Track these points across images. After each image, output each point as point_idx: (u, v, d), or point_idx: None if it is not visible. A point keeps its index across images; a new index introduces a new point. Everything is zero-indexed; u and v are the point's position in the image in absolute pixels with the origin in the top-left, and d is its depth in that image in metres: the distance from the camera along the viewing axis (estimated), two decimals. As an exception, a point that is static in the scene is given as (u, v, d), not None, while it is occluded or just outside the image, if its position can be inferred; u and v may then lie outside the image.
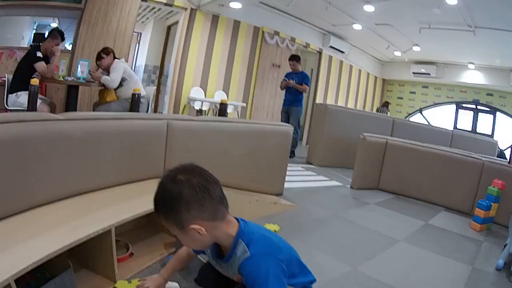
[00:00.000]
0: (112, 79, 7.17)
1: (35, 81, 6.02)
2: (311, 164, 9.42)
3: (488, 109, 16.54)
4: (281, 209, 4.93)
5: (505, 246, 4.72)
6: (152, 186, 3.53)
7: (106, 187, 3.38)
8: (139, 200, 3.24)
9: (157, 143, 3.91)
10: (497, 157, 11.33)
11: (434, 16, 10.71)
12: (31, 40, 9.40)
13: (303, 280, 2.29)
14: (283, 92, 10.06)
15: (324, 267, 3.63)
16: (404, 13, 10.94)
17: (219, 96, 11.68)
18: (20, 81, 6.68)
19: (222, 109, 9.09)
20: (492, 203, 5.80)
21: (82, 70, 7.24)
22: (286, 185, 5.91)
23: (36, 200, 2.76)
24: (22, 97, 6.61)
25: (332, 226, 4.93)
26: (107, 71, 7.34)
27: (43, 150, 2.77)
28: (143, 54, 14.35)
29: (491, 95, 16.29)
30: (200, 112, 11.40)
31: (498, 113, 16.27)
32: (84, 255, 2.71)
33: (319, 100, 14.84)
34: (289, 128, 5.64)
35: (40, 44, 6.97)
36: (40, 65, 6.72)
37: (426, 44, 13.91)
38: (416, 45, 14.29)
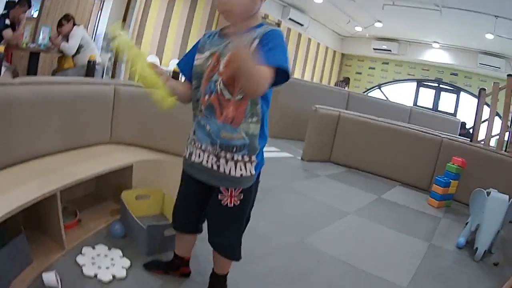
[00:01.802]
0: (70, 46, 7.20)
1: (0, 49, 6.07)
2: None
3: (451, 88, 16.72)
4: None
5: (466, 224, 4.71)
6: (98, 152, 3.58)
7: (54, 152, 3.31)
8: (85, 165, 3.19)
9: (104, 108, 3.82)
10: (464, 136, 11.33)
11: None
12: (3, 8, 9.22)
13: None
14: None
15: (270, 236, 3.59)
16: None
17: (174, 64, 11.27)
18: None
19: (174, 77, 8.78)
20: (451, 180, 5.83)
21: (43, 36, 7.37)
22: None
23: None
24: None
25: (280, 196, 4.88)
26: (66, 37, 7.32)
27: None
28: (103, 22, 14.13)
29: (456, 74, 16.47)
30: None
31: (462, 93, 16.45)
32: (36, 219, 2.75)
33: None
34: None
35: (9, 11, 6.92)
36: (7, 33, 6.74)
37: (389, 21, 13.90)
38: (379, 21, 14.28)
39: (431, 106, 16.99)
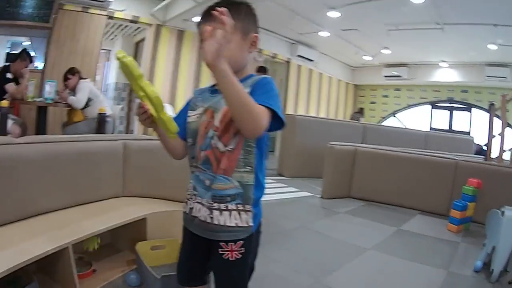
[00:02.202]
0: (78, 100, 7.25)
1: (4, 103, 6.13)
2: (282, 175, 9.43)
3: (463, 106, 16.65)
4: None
5: (483, 244, 4.63)
6: (111, 205, 3.65)
7: (64, 207, 3.42)
8: (97, 219, 3.28)
9: (114, 163, 3.95)
10: (477, 153, 11.31)
11: (401, 17, 10.80)
12: (5, 60, 9.37)
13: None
14: None
15: (287, 280, 3.58)
16: (369, 16, 11.02)
17: None
18: None
19: None
20: (468, 203, 5.79)
21: (49, 90, 7.33)
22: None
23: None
24: None
25: (298, 238, 4.88)
26: (73, 91, 7.41)
27: (2, 173, 2.86)
28: (113, 72, 14.39)
29: (466, 91, 16.41)
30: None
31: (474, 109, 16.34)
32: (50, 271, 2.83)
33: (289, 110, 14.79)
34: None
35: (10, 65, 7.07)
36: (10, 87, 6.84)
37: (395, 46, 13.98)
38: (386, 48, 14.36)
39: (445, 127, 16.90)
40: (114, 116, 7.96)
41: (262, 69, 9.55)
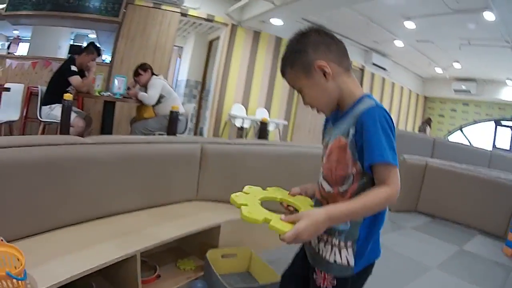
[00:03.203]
0: (150, 96, 7.15)
1: (68, 96, 6.04)
2: None
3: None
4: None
5: None
6: (184, 209, 3.64)
7: (136, 210, 3.41)
8: (169, 225, 3.24)
9: (190, 166, 3.92)
10: None
11: (474, 32, 10.53)
12: (68, 51, 9.45)
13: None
14: None
15: None
16: (444, 29, 10.77)
17: (261, 113, 11.61)
18: (53, 94, 6.71)
19: (262, 129, 8.98)
20: None
21: (119, 86, 7.29)
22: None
23: (63, 220, 2.82)
24: (56, 110, 6.65)
25: None
26: (144, 87, 7.34)
27: (69, 173, 2.82)
28: (184, 69, 14.26)
29: (530, 112, 15.92)
30: (241, 129, 11.35)
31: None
32: (111, 276, 2.75)
33: None
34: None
35: (76, 57, 7.00)
36: (75, 79, 6.74)
37: (466, 60, 13.71)
38: (457, 61, 14.09)
39: (508, 146, 16.57)
40: (187, 115, 7.85)
41: None
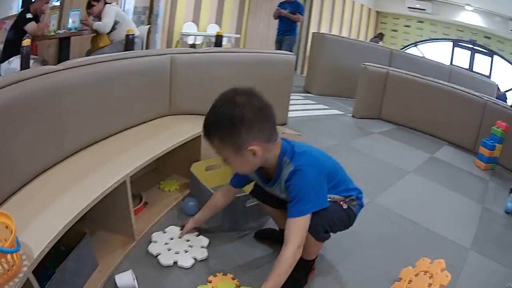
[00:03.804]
0: (104, 24, 7.12)
1: (26, 42, 5.98)
2: (309, 93, 9.46)
3: (485, 51, 16.43)
4: (289, 138, 4.85)
5: (511, 189, 4.79)
6: (160, 125, 3.45)
7: (114, 133, 3.16)
8: (149, 143, 3.05)
9: (161, 80, 3.72)
10: (500, 98, 11.46)
11: None
12: (20, 6, 9.18)
13: (348, 187, 2.41)
14: (277, 21, 9.80)
15: None
16: None
17: (212, 29, 11.47)
18: (11, 47, 6.59)
19: (218, 41, 9.12)
20: (496, 144, 5.84)
21: (73, 20, 7.21)
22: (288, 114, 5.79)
23: (43, 163, 2.46)
24: (14, 63, 6.45)
25: (342, 156, 4.88)
26: (98, 18, 7.23)
27: (45, 107, 2.44)
28: None
29: (489, 38, 16.18)
30: (193, 46, 11.12)
31: (496, 57, 16.19)
32: (97, 213, 2.32)
33: (313, 28, 14.56)
34: (291, 56, 5.42)
35: (30, 5, 6.84)
36: (30, 26, 6.64)
37: None
38: None
39: (466, 67, 16.66)
40: (142, 37, 7.93)
41: None
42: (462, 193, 4.73)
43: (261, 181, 2.29)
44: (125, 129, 3.25)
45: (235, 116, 1.90)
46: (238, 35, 12.22)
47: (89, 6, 7.18)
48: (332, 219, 2.25)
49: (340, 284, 2.52)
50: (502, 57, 15.80)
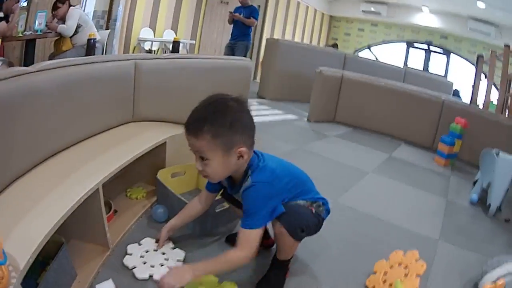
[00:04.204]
0: (68, 27, 7.06)
1: None
2: (263, 98, 9.49)
3: (441, 50, 16.82)
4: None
5: (474, 181, 4.98)
6: (125, 132, 3.37)
7: (80, 140, 3.04)
8: (117, 150, 2.97)
9: (125, 85, 3.61)
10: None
11: None
12: None
13: (315, 196, 2.47)
14: (231, 27, 9.74)
15: None
16: None
17: (168, 35, 11.58)
18: None
19: (174, 47, 9.09)
20: (455, 139, 6.02)
21: (39, 22, 7.09)
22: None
23: (14, 171, 2.33)
24: None
25: (301, 160, 4.97)
26: (62, 20, 7.16)
27: (15, 111, 2.29)
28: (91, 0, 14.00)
29: (445, 38, 16.63)
30: (150, 52, 11.20)
31: (453, 56, 16.62)
32: (69, 221, 2.13)
33: (266, 34, 14.75)
34: (249, 62, 5.51)
35: (3, 4, 6.62)
36: (1, 26, 6.43)
37: None
38: None
39: (421, 67, 17.08)
40: (103, 42, 7.86)
41: None
42: (424, 189, 4.86)
43: (228, 186, 2.35)
44: (90, 136, 3.17)
45: (234, 117, 1.98)
46: (193, 41, 12.32)
47: (55, 8, 7.14)
48: (306, 220, 2.31)
49: (316, 281, 2.55)
50: (459, 55, 16.22)
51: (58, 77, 2.73)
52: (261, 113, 7.82)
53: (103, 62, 3.36)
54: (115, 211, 2.92)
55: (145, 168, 3.33)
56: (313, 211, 2.35)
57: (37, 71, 2.51)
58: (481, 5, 12.54)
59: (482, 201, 4.64)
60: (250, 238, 2.05)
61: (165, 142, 3.36)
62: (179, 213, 2.59)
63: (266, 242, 2.74)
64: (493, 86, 7.49)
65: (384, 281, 2.45)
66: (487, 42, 14.69)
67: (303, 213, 2.30)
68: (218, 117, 1.96)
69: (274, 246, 2.65)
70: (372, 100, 7.45)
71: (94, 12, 12.54)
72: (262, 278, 2.39)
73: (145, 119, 3.85)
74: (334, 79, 7.57)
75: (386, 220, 3.72)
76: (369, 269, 2.64)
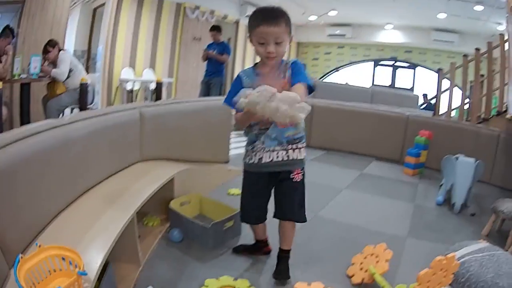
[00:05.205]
0: (62, 72, 7.16)
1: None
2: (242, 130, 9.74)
3: (407, 64, 17.33)
4: (235, 174, 5.36)
5: (441, 185, 5.49)
6: (139, 171, 3.96)
7: (104, 179, 3.56)
8: (140, 184, 3.51)
9: (133, 131, 4.12)
10: (426, 108, 12.26)
11: None
12: None
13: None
14: (205, 63, 10.02)
15: None
16: None
17: (148, 74, 11.83)
18: None
19: (158, 88, 9.39)
20: (421, 151, 6.54)
21: (35, 65, 7.14)
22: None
23: (59, 204, 2.85)
24: None
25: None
26: (53, 63, 7.29)
27: (53, 158, 2.77)
28: (71, 39, 13.68)
29: (410, 51, 17.11)
30: (131, 92, 11.49)
31: (419, 68, 17.15)
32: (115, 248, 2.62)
33: (238, 69, 14.94)
34: None
35: None
36: None
37: (343, 8, 14.36)
38: (333, 9, 14.76)
39: (388, 84, 17.59)
40: (93, 85, 8.02)
41: (215, 28, 9.85)
42: (394, 197, 5.41)
43: (253, 77, 2.86)
44: (110, 175, 3.67)
45: (286, 14, 2.73)
46: (171, 79, 12.56)
47: (45, 51, 7.30)
48: (301, 198, 3.04)
49: (308, 274, 3.18)
50: (425, 67, 16.73)
51: (86, 126, 3.30)
52: (241, 145, 8.15)
53: (117, 112, 3.93)
54: (139, 236, 3.34)
55: (156, 200, 3.71)
56: (302, 178, 3.02)
57: (70, 123, 3.09)
58: (442, 15, 12.91)
59: (448, 202, 5.15)
60: (304, 89, 2.65)
61: (173, 177, 3.93)
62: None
63: (267, 249, 3.43)
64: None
65: (361, 269, 3.09)
66: (452, 50, 15.23)
67: (299, 198, 3.02)
68: (285, 14, 2.70)
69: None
70: (342, 123, 7.88)
71: (74, 52, 12.65)
72: (277, 269, 3.06)
73: (152, 158, 4.38)
74: (306, 107, 7.88)
75: (360, 226, 4.28)
76: (348, 262, 3.27)
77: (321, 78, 18.36)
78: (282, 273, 3.03)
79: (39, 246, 2.06)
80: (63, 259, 2.07)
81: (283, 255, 3.08)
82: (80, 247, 2.28)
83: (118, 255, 2.82)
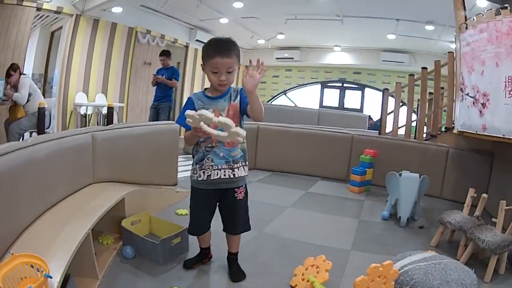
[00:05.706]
0: (22, 96, 7.38)
1: None
2: (189, 154, 9.71)
3: (356, 85, 17.64)
4: (182, 196, 5.57)
5: (387, 201, 5.68)
6: (92, 192, 4.14)
7: (61, 199, 3.74)
8: (93, 204, 3.70)
9: (86, 153, 4.27)
10: (373, 126, 12.76)
11: (302, 9, 11.38)
12: None
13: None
14: (155, 88, 10.18)
15: None
16: (271, 7, 11.53)
17: (100, 98, 11.86)
18: None
19: (109, 113, 9.58)
20: (366, 169, 6.79)
21: None
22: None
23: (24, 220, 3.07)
24: None
25: None
26: (15, 87, 7.42)
27: (20, 177, 3.00)
28: (29, 63, 13.44)
29: (359, 73, 17.29)
30: (85, 117, 11.49)
31: (367, 89, 17.47)
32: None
33: (186, 92, 15.21)
34: (176, 126, 6.13)
35: None
36: None
37: (291, 32, 14.59)
38: (281, 33, 15.04)
39: (336, 105, 17.88)
40: (50, 110, 8.13)
41: (165, 53, 10.07)
42: (339, 214, 5.60)
43: (205, 100, 3.20)
44: (66, 196, 3.84)
45: (236, 44, 3.12)
46: (121, 104, 12.57)
47: (8, 75, 7.48)
48: (245, 214, 3.46)
49: (253, 286, 3.34)
50: (373, 87, 17.04)
51: (45, 148, 3.47)
52: (187, 168, 8.20)
53: (71, 136, 4.07)
54: (95, 253, 3.44)
55: (108, 219, 3.85)
56: (245, 195, 3.41)
57: (32, 145, 3.27)
58: (391, 36, 13.24)
59: (395, 217, 5.37)
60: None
61: (124, 198, 4.10)
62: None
63: (210, 255, 3.73)
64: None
65: (303, 279, 3.29)
66: (401, 70, 15.37)
67: (244, 214, 3.43)
68: (236, 45, 3.09)
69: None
70: (288, 144, 8.13)
71: (32, 75, 12.54)
72: (232, 272, 3.46)
73: (103, 180, 4.54)
74: (251, 130, 7.94)
75: (303, 241, 4.43)
76: (291, 273, 3.45)
77: (268, 101, 18.44)
78: (238, 274, 3.42)
79: (12, 254, 2.32)
80: (32, 266, 2.31)
81: (233, 257, 3.52)
82: (45, 258, 2.44)
83: (78, 269, 2.98)
